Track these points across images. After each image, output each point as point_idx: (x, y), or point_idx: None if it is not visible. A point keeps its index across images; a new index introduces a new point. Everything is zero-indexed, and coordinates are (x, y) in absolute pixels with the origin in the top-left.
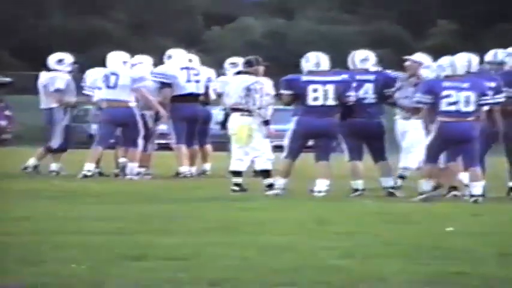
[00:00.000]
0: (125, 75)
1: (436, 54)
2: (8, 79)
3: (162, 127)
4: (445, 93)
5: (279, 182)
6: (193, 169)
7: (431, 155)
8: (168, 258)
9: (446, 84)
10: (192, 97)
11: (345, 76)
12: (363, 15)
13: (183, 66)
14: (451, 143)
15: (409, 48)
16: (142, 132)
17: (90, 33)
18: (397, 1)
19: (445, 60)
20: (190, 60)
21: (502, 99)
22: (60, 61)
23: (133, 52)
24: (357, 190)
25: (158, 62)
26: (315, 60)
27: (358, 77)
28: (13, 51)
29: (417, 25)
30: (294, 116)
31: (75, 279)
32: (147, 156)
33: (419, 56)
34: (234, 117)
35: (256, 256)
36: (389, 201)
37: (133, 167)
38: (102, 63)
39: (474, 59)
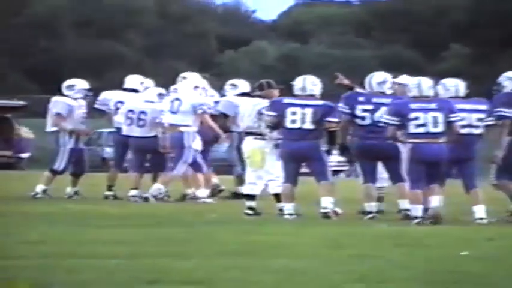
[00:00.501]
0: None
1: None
2: (21, 102)
3: None
4: (413, 115)
5: (286, 207)
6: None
7: (413, 179)
8: (183, 282)
9: (413, 106)
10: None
11: (327, 102)
12: (377, 40)
13: (195, 86)
14: (423, 164)
15: (423, 71)
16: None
17: (103, 57)
18: (410, 25)
19: (449, 81)
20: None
21: (492, 122)
22: (70, 87)
23: (147, 75)
24: (370, 213)
25: (171, 84)
26: (300, 85)
27: (374, 100)
28: (27, 75)
29: (430, 49)
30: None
31: None
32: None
33: (405, 79)
34: (248, 140)
35: (271, 280)
36: (403, 224)
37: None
38: (117, 86)
39: (461, 84)
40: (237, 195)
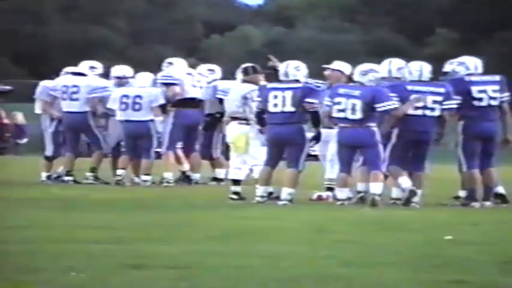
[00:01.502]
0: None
1: (436, 62)
2: (7, 87)
3: None
4: (336, 100)
5: (258, 190)
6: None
7: (341, 162)
8: (168, 267)
9: (341, 91)
10: (196, 103)
11: (308, 84)
12: (363, 24)
13: (187, 72)
14: (349, 147)
15: (409, 56)
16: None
17: (89, 42)
18: (396, 9)
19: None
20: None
21: (454, 106)
22: (92, 68)
23: (133, 61)
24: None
25: (157, 70)
26: (283, 70)
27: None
28: (12, 60)
29: (417, 33)
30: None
31: (75, 287)
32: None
33: (339, 65)
34: (232, 125)
35: (256, 265)
36: (389, 209)
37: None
38: (103, 72)
39: (426, 66)
40: (215, 179)
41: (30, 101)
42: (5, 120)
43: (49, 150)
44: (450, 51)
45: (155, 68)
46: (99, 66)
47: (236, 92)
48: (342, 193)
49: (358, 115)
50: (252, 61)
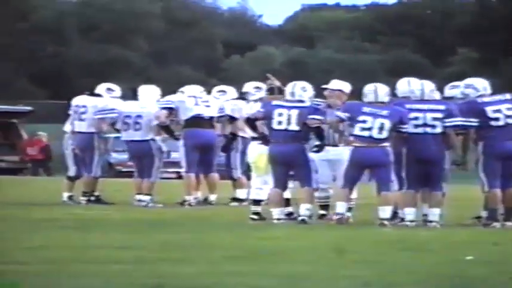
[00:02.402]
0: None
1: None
2: (28, 108)
3: (174, 155)
4: (361, 118)
5: (274, 212)
6: (214, 197)
7: (348, 179)
8: (188, 287)
9: (366, 109)
10: (205, 122)
11: (314, 104)
12: (383, 44)
13: (190, 95)
14: (362, 167)
15: (429, 76)
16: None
17: (110, 62)
18: (417, 29)
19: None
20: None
21: (459, 123)
22: (109, 90)
23: (153, 81)
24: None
25: (177, 89)
26: (290, 90)
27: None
28: (33, 80)
29: (437, 53)
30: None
31: None
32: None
33: (338, 84)
34: (253, 145)
35: (275, 285)
36: (408, 229)
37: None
38: (123, 92)
39: (428, 85)
40: (236, 200)
41: (50, 122)
42: (46, 141)
43: (72, 171)
44: (470, 71)
45: (176, 87)
46: (117, 89)
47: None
48: (341, 207)
49: (384, 134)
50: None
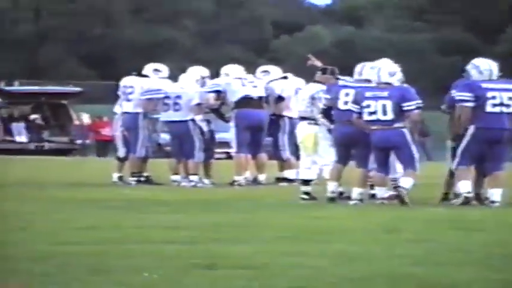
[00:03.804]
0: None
1: (506, 60)
2: (77, 88)
3: (224, 135)
4: (365, 103)
5: (328, 186)
6: (263, 177)
7: (377, 163)
8: (240, 267)
9: (368, 94)
10: (255, 102)
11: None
12: (432, 23)
13: (235, 77)
14: (383, 149)
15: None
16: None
17: (158, 43)
18: (466, 7)
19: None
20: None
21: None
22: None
23: (202, 61)
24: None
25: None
26: (358, 70)
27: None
28: (82, 61)
29: (487, 32)
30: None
31: None
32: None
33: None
34: (302, 125)
35: (328, 265)
36: (460, 208)
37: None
38: (171, 73)
39: (494, 65)
40: (281, 180)
41: (97, 102)
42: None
43: (121, 152)
44: None
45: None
46: (164, 69)
47: (305, 92)
48: (381, 191)
49: (390, 116)
50: (321, 61)
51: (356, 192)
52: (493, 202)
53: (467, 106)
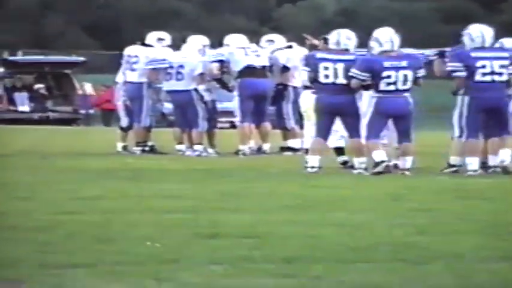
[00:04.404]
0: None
1: (510, 29)
2: (80, 58)
3: (228, 104)
4: (385, 73)
5: (311, 160)
6: (267, 146)
7: (373, 131)
8: (243, 236)
9: (386, 64)
10: (258, 71)
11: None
12: None
13: (238, 46)
14: (387, 117)
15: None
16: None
17: (161, 12)
18: None
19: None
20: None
21: None
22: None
23: (205, 31)
24: (453, 166)
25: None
26: (335, 39)
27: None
28: (85, 31)
29: (489, 0)
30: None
31: (149, 257)
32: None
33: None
34: (305, 94)
35: (331, 234)
36: (465, 177)
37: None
38: (174, 42)
39: (487, 31)
40: (285, 149)
41: (101, 72)
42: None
43: (124, 121)
44: None
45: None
46: (167, 38)
47: None
48: (381, 156)
49: (409, 85)
50: (324, 31)
51: (357, 162)
52: (502, 162)
53: (459, 76)
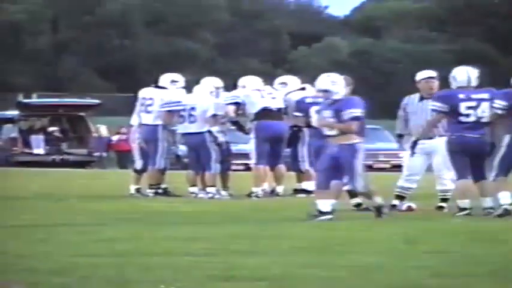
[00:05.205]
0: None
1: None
2: (95, 101)
3: (243, 147)
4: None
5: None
6: (281, 188)
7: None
8: (257, 278)
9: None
10: (274, 113)
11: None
12: (450, 33)
13: (254, 88)
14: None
15: (497, 64)
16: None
17: (176, 54)
18: (484, 18)
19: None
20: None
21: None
22: (174, 81)
23: (219, 73)
24: (464, 209)
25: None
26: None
27: (474, 96)
28: (99, 73)
29: (504, 42)
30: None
31: None
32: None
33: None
34: None
35: (346, 276)
36: (478, 219)
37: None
38: (189, 85)
39: (472, 72)
40: (299, 191)
41: (115, 114)
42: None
43: (138, 164)
44: None
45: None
46: (181, 80)
47: None
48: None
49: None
50: (339, 72)
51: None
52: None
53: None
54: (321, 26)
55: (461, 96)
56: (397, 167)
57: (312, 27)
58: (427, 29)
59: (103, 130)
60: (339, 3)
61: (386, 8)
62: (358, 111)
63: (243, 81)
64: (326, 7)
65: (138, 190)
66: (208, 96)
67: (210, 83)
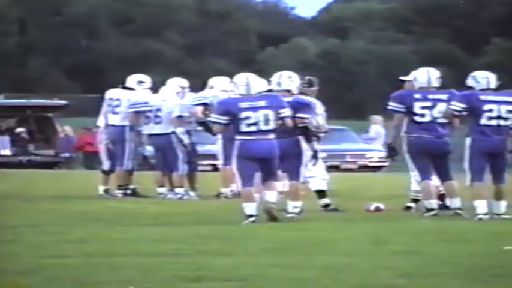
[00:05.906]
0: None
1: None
2: (62, 101)
3: (211, 147)
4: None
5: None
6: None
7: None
8: (227, 279)
9: (243, 105)
10: None
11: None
12: (417, 34)
13: (222, 89)
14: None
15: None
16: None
17: (143, 55)
18: (450, 19)
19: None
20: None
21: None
22: (140, 82)
23: (187, 74)
24: (431, 210)
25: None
26: (276, 80)
27: (431, 96)
28: (67, 74)
29: (471, 43)
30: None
31: None
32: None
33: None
34: None
35: (314, 277)
36: (446, 220)
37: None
38: (157, 85)
39: (492, 76)
40: None
41: (83, 115)
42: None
43: (105, 165)
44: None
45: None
46: (148, 80)
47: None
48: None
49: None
50: (306, 73)
51: (292, 205)
52: (498, 215)
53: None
54: (288, 27)
55: (416, 96)
56: (364, 168)
57: (279, 28)
58: (394, 30)
59: (69, 131)
60: (305, 4)
61: (353, 8)
62: None
63: (211, 81)
64: (293, 8)
65: (106, 191)
66: (174, 97)
67: (176, 83)
